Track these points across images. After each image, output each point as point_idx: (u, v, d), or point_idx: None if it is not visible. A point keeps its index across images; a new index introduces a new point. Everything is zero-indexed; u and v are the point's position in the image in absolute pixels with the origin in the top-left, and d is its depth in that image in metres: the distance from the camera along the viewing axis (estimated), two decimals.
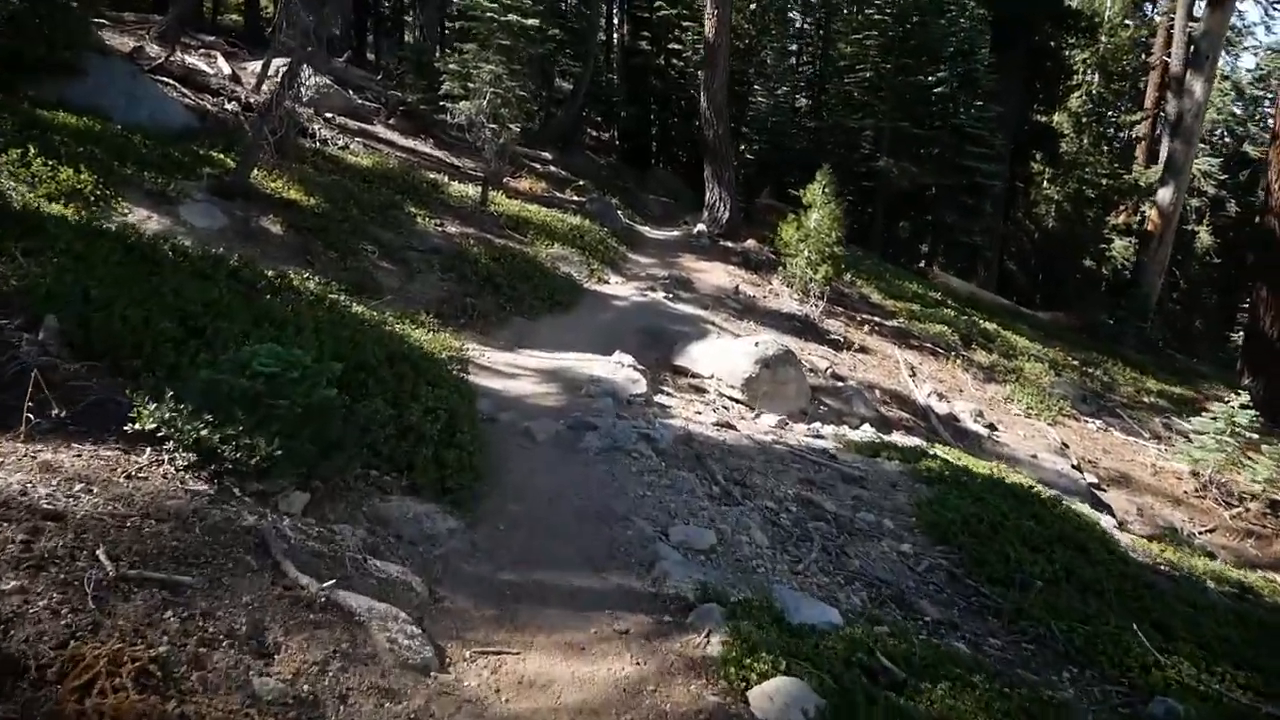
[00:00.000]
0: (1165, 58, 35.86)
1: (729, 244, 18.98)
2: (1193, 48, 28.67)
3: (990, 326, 18.99)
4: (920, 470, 8.87)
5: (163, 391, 4.42)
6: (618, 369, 10.60)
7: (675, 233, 20.26)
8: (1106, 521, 10.20)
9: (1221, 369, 29.25)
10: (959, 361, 16.07)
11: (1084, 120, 33.58)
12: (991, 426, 13.72)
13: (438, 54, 19.75)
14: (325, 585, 3.78)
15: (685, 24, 34.16)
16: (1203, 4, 36.46)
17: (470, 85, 14.22)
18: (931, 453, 10.12)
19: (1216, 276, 39.49)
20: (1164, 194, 28.49)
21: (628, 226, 19.25)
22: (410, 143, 19.56)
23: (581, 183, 20.57)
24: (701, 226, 19.46)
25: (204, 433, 4.26)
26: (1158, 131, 37.08)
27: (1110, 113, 34.88)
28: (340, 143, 16.61)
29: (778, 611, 5.02)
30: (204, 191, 11.63)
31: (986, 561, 6.89)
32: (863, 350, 14.92)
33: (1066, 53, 31.20)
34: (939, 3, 27.79)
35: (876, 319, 17.14)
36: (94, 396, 4.67)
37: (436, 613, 4.32)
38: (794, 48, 36.79)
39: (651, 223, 21.43)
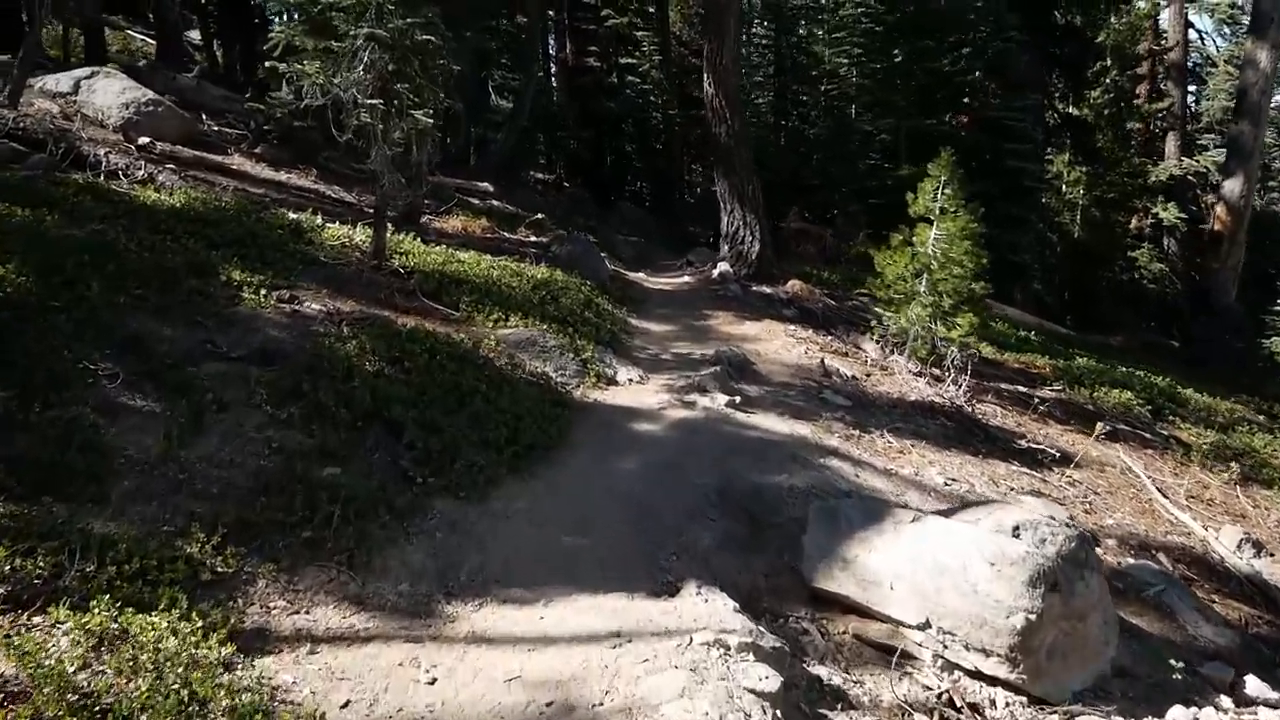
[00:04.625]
0: (1154, 47, 30.37)
1: (765, 289, 12.05)
2: (1253, 9, 22.60)
3: (1160, 381, 12.21)
4: None
5: None
6: (722, 681, 3.50)
7: (686, 278, 13.17)
8: None
9: None
10: (1192, 457, 9.20)
11: (1106, 113, 27.39)
12: None
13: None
14: None
15: (639, 34, 27.52)
16: None
17: (336, 44, 7.10)
18: None
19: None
20: (1231, 186, 22.44)
21: (616, 275, 12.16)
22: (281, 175, 12.38)
23: (539, 217, 13.46)
24: (724, 266, 12.46)
25: None
26: (1151, 127, 31.49)
27: (1125, 105, 28.68)
28: (142, 173, 9.39)
29: None
30: None
31: None
32: (1065, 460, 7.97)
33: (1091, 33, 25.00)
34: None
35: (1022, 389, 10.28)
36: None
37: None
38: (760, 57, 30.08)
39: (643, 268, 14.34)
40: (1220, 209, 23.08)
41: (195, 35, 22.72)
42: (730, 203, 12.68)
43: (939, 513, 5.10)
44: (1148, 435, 9.56)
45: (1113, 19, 27.82)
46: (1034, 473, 7.42)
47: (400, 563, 4.51)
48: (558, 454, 5.87)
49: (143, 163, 9.79)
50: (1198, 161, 28.74)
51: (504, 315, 7.87)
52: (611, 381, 7.49)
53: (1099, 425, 8.18)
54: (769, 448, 6.30)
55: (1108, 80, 28.19)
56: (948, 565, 4.52)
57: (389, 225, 8.99)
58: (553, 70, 30.58)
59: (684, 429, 6.47)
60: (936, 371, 9.13)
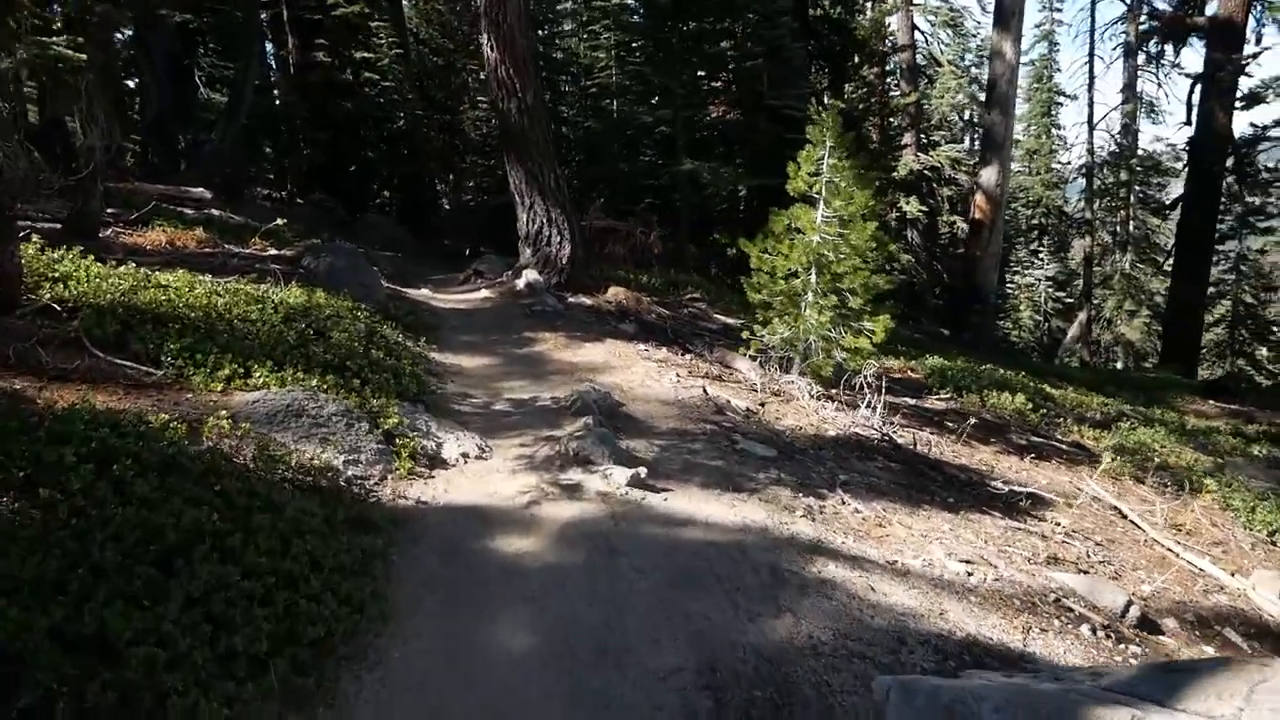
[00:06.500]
0: (882, 47, 31.30)
1: (585, 299, 9.54)
2: (995, 4, 23.11)
3: (1029, 381, 10.99)
4: None
5: None
6: None
7: (483, 292, 10.24)
8: None
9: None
10: (1123, 470, 7.70)
11: (861, 107, 27.49)
12: None
13: None
14: None
15: (374, 24, 23.95)
16: None
17: None
18: None
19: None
20: (988, 175, 23.00)
21: (395, 294, 9.10)
22: None
23: (279, 223, 10.06)
24: (532, 274, 9.75)
25: None
26: (886, 125, 32.50)
27: (875, 100, 29.13)
28: None
29: None
30: None
31: None
32: (1039, 500, 6.10)
33: (851, 28, 24.82)
34: None
35: (910, 401, 8.50)
36: None
37: None
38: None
39: (414, 284, 11.25)
40: (979, 198, 23.59)
41: None
42: (529, 196, 10.03)
43: (1147, 690, 2.76)
44: (1064, 447, 8.02)
45: (860, 16, 28.12)
46: (1022, 524, 5.43)
47: None
48: (377, 645, 2.97)
49: None
50: (933, 157, 29.77)
51: (241, 368, 4.74)
52: (437, 461, 4.61)
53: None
54: (731, 561, 3.76)
55: (859, 77, 28.48)
56: None
57: (34, 238, 5.55)
58: (272, 66, 26.23)
59: (585, 543, 3.76)
60: (838, 392, 7.03)
